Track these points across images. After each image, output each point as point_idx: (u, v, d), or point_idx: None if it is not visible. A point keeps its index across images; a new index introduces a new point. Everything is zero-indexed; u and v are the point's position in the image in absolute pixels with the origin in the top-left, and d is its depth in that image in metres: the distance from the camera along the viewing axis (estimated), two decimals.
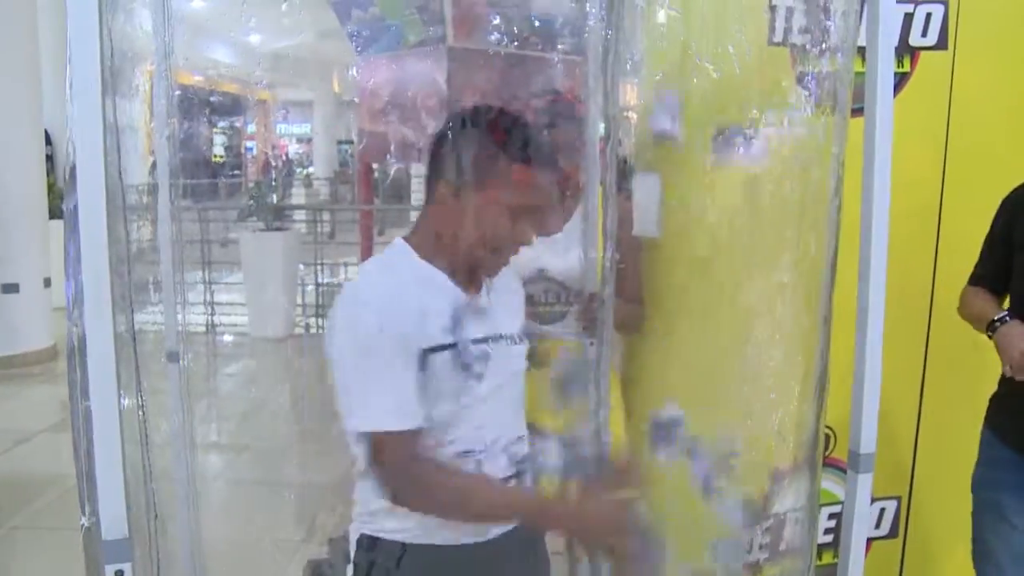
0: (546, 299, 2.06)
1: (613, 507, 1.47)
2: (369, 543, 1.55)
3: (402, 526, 1.52)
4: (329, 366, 1.47)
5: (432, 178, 1.51)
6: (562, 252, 1.92)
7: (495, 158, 1.44)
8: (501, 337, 1.55)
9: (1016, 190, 2.21)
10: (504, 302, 1.60)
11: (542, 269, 2.01)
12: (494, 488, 1.53)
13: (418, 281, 1.50)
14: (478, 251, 1.49)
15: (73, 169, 1.16)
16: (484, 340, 1.51)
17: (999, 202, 2.21)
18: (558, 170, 1.54)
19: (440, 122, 1.58)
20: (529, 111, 1.94)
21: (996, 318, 2.06)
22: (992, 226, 2.24)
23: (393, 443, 1.43)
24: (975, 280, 2.26)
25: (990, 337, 2.05)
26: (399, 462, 1.44)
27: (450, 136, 1.49)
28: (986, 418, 2.24)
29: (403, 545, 1.52)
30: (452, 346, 1.46)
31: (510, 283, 1.66)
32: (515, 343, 1.59)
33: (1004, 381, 2.16)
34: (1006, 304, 2.17)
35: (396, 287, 1.49)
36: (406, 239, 1.55)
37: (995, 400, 2.22)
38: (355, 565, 1.56)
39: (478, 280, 1.55)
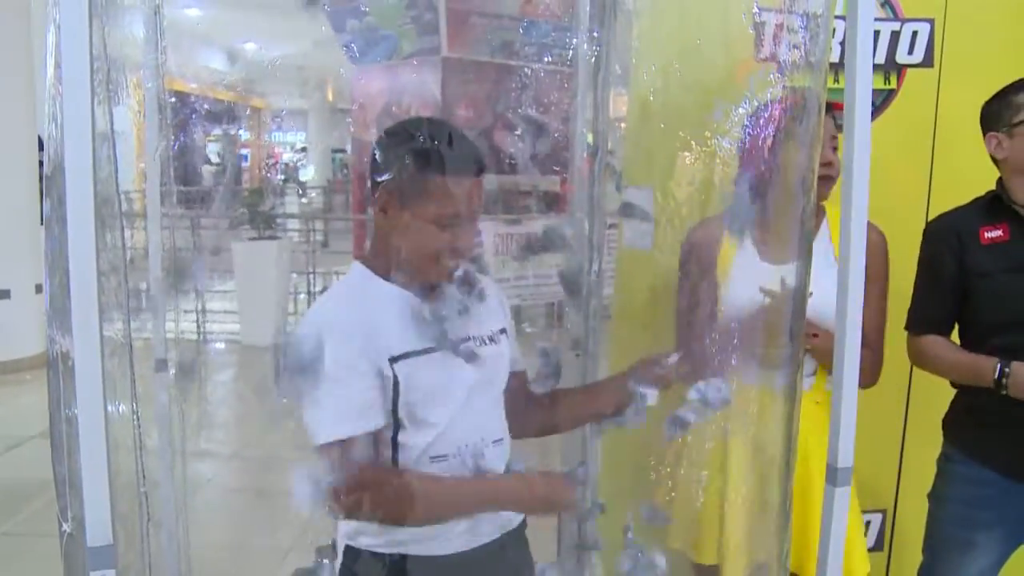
0: None
1: (558, 481, 1.52)
2: (354, 555, 1.56)
3: (388, 539, 1.53)
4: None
5: (371, 192, 1.53)
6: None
7: (413, 171, 1.44)
8: (469, 339, 1.54)
9: (940, 220, 2.20)
10: (474, 304, 1.57)
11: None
12: (442, 481, 1.50)
13: (370, 297, 1.53)
14: (411, 263, 1.50)
15: (52, 174, 1.17)
16: (448, 343, 1.51)
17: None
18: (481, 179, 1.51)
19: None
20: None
21: (997, 374, 1.95)
22: (930, 264, 2.17)
23: (338, 451, 1.42)
24: (927, 326, 2.15)
25: (1002, 392, 1.95)
26: (341, 477, 1.41)
27: (376, 150, 1.50)
28: (962, 448, 2.17)
29: (388, 556, 1.53)
30: (413, 354, 1.48)
31: (475, 285, 1.62)
32: (484, 344, 1.58)
33: (980, 409, 2.11)
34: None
35: (342, 308, 1.54)
36: (360, 258, 1.58)
37: (977, 429, 2.14)
38: None
39: (435, 287, 1.53)
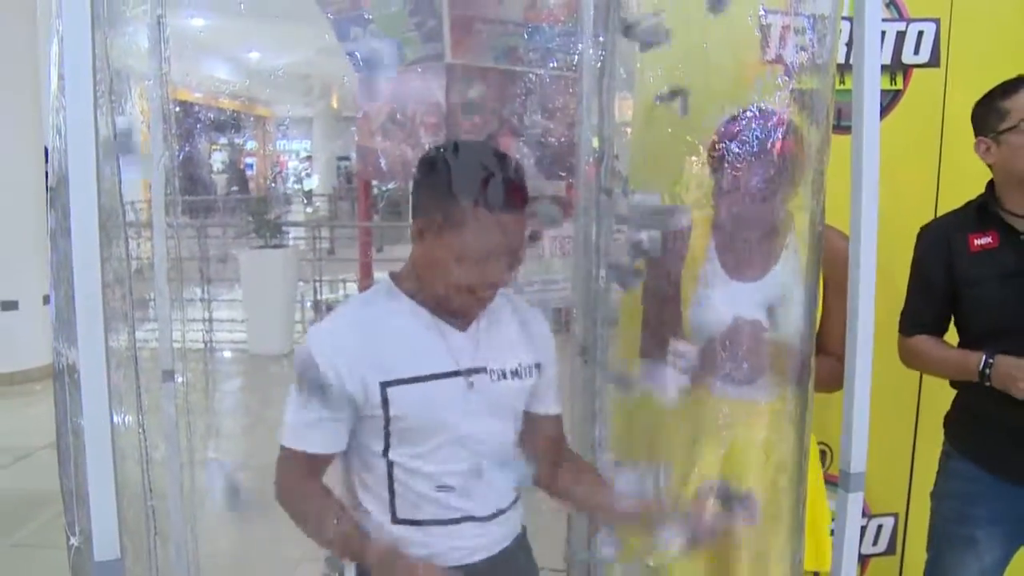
0: None
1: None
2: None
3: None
4: None
5: (413, 216, 1.49)
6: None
7: (456, 201, 1.37)
8: (483, 371, 1.50)
9: (933, 224, 2.18)
10: (498, 335, 1.55)
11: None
12: (330, 523, 1.48)
13: (382, 316, 1.50)
14: (448, 291, 1.44)
15: (56, 186, 1.17)
16: (457, 374, 1.48)
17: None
18: (524, 210, 1.43)
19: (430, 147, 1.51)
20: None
21: (982, 365, 1.95)
22: (920, 269, 2.16)
23: (284, 458, 1.51)
24: (916, 328, 2.14)
25: (986, 384, 1.95)
26: (281, 477, 1.53)
27: (418, 176, 1.46)
28: (958, 446, 2.17)
29: None
30: (410, 380, 1.46)
31: (514, 316, 1.60)
32: (500, 378, 1.52)
33: (976, 410, 2.11)
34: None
35: (347, 327, 1.51)
36: (392, 274, 1.55)
37: (973, 428, 2.14)
38: None
39: (465, 314, 1.51)
